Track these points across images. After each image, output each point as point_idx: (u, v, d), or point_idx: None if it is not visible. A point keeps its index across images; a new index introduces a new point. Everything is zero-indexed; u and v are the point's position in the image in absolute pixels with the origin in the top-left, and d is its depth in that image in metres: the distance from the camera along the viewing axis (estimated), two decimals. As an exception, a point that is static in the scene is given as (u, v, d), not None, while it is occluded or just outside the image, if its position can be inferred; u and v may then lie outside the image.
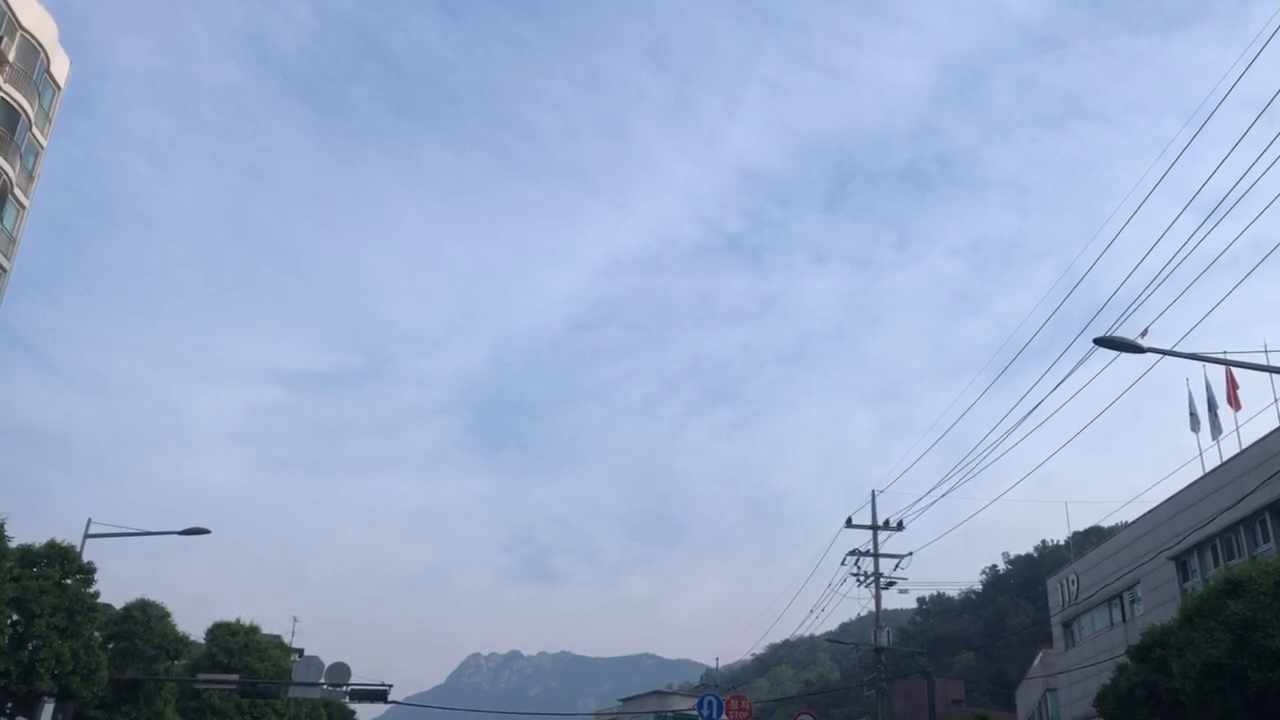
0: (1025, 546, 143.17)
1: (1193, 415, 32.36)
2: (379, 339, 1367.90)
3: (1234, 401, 30.28)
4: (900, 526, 36.63)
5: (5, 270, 42.67)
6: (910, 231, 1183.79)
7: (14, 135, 41.95)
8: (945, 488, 34.40)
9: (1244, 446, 28.81)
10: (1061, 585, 41.35)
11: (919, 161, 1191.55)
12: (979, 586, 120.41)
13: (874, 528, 36.96)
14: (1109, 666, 26.80)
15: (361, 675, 38.56)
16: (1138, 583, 34.34)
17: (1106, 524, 61.30)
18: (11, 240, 43.25)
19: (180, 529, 36.39)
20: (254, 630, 45.05)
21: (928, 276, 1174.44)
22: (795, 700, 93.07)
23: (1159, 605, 31.32)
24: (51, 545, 32.51)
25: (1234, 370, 29.02)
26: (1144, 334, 18.28)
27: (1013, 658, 79.48)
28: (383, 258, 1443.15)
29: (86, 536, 34.22)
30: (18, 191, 42.84)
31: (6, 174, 41.52)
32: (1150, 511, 34.09)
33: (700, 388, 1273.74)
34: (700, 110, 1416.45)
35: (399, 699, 40.67)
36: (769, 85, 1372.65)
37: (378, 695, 38.39)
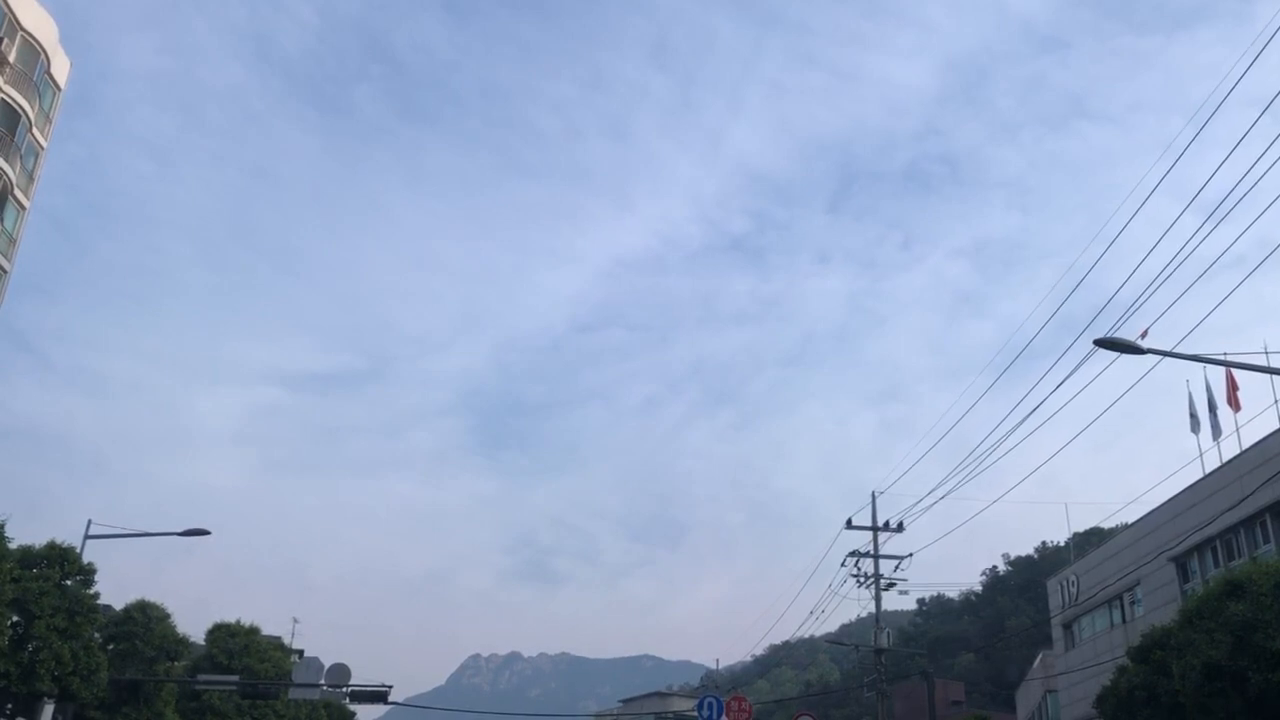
0: (1025, 548, 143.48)
1: (1193, 416, 32.35)
2: (381, 340, 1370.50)
3: (1234, 402, 30.29)
4: (900, 528, 36.64)
5: (6, 271, 42.69)
6: (914, 232, 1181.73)
7: (14, 136, 41.94)
8: (946, 489, 34.42)
9: (1244, 447, 28.80)
10: (1061, 586, 41.33)
11: (923, 162, 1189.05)
12: (979, 588, 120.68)
13: (874, 529, 36.95)
14: (1109, 668, 26.82)
15: (361, 676, 38.50)
16: (1138, 584, 34.32)
17: (1107, 525, 61.48)
18: (12, 241, 43.26)
19: (181, 530, 36.40)
20: (254, 631, 45.09)
21: (931, 277, 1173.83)
22: (795, 701, 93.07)
23: (1159, 606, 31.29)
24: (52, 546, 32.48)
25: (1234, 371, 29.04)
26: (1144, 335, 18.30)
27: (1013, 659, 79.44)
28: (385, 258, 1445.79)
29: (87, 537, 34.23)
30: (18, 192, 42.85)
31: (7, 175, 41.53)
32: (1150, 512, 34.06)
33: (702, 389, 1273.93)
34: (703, 110, 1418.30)
35: (399, 700, 40.69)
36: (772, 85, 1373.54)
37: (378, 696, 38.39)
